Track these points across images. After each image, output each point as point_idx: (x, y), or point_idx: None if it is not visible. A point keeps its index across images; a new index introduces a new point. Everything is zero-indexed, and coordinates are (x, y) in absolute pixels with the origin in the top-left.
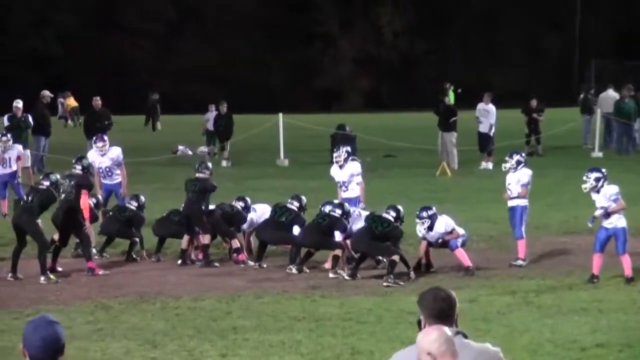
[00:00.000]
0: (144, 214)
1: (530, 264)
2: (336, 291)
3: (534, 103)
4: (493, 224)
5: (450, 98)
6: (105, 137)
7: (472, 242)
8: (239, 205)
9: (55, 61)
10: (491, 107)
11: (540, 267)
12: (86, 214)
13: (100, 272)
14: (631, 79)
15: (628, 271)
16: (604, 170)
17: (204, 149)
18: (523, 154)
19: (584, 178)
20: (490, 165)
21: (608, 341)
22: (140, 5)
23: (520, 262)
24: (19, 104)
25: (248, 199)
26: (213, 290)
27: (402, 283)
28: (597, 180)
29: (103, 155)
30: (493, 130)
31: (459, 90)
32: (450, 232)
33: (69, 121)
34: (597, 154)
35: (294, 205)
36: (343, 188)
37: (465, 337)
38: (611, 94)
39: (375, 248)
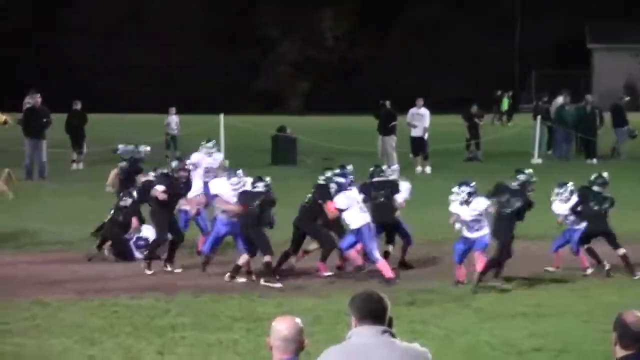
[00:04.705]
0: None
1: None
2: (275, 291)
3: (474, 109)
4: (434, 227)
5: (504, 105)
6: None
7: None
8: None
9: None
10: (425, 111)
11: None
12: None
13: None
14: (569, 87)
15: (479, 267)
16: (473, 183)
17: (144, 147)
18: (570, 184)
19: (454, 190)
20: (428, 169)
21: (545, 345)
22: (81, 6)
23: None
24: None
25: None
26: (152, 289)
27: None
28: (470, 194)
29: None
30: (427, 134)
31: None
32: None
33: None
34: (537, 160)
35: (260, 187)
36: None
37: (393, 336)
38: (560, 101)
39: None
